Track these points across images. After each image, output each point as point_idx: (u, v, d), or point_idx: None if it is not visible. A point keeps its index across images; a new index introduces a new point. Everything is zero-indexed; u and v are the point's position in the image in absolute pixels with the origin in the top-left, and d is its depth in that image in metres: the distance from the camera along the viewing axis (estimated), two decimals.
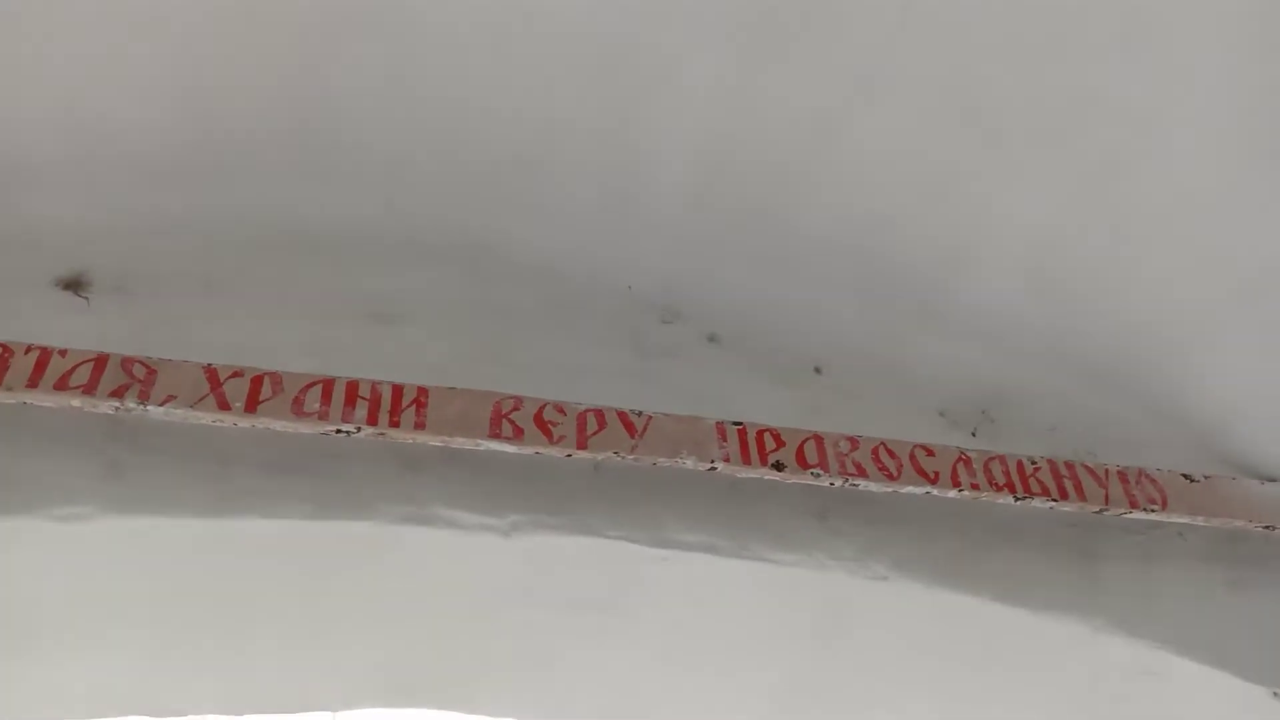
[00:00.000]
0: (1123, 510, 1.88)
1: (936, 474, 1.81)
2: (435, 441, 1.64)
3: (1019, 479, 1.85)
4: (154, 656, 1.83)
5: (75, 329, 1.65)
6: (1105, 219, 1.91)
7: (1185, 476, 1.97)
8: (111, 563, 1.58)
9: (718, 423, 1.77)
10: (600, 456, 1.69)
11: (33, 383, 1.46)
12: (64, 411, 1.51)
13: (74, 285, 1.76)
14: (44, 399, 1.47)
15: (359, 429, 1.59)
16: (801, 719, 2.17)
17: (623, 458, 1.70)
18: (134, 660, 1.82)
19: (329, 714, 2.16)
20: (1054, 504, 1.85)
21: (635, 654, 2.02)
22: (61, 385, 1.47)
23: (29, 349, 1.49)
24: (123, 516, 1.52)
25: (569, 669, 2.07)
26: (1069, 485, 1.87)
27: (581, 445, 1.68)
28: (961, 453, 1.86)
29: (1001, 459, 1.87)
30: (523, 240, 2.06)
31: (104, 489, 1.52)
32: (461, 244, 2.05)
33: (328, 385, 1.60)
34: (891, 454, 1.82)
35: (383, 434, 1.60)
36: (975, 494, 1.82)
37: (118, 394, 1.48)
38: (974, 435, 2.10)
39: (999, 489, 1.83)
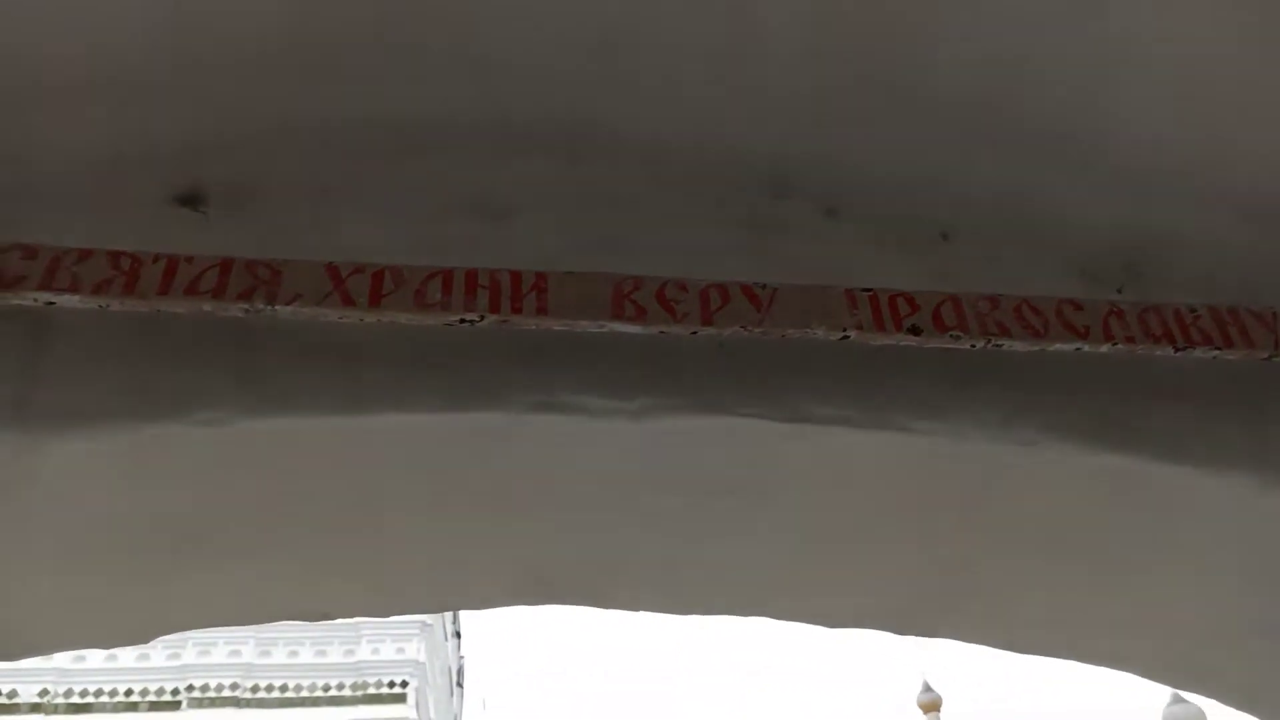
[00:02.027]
0: None
1: (1086, 329, 1.70)
2: (559, 326, 1.60)
3: (1178, 329, 1.72)
4: (297, 560, 1.88)
5: (195, 243, 1.66)
6: (1267, 35, 1.72)
7: None
8: (251, 466, 1.61)
9: (847, 290, 1.69)
10: (726, 332, 1.63)
11: (163, 290, 1.47)
12: (194, 318, 1.53)
13: (190, 200, 1.77)
14: (175, 305, 1.48)
15: (482, 317, 1.57)
16: (946, 598, 2.12)
17: (750, 332, 1.64)
18: (278, 564, 1.88)
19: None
20: (1218, 353, 1.72)
21: (770, 538, 1.99)
22: (191, 291, 1.48)
23: (156, 257, 1.50)
24: (258, 419, 1.54)
25: (703, 557, 2.06)
26: (1233, 332, 1.73)
27: (707, 321, 1.62)
28: (1113, 305, 1.74)
29: (1157, 309, 1.73)
30: (626, 122, 1.99)
31: (238, 393, 1.54)
32: (563, 131, 1.99)
33: (447, 276, 1.58)
34: (1036, 311, 1.70)
35: (506, 321, 1.58)
36: (1130, 347, 1.69)
37: (246, 296, 1.49)
38: (1119, 292, 1.96)
39: (1156, 340, 1.70)
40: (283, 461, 1.61)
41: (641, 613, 2.27)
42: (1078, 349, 1.69)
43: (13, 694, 26.51)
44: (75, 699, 27.05)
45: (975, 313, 1.68)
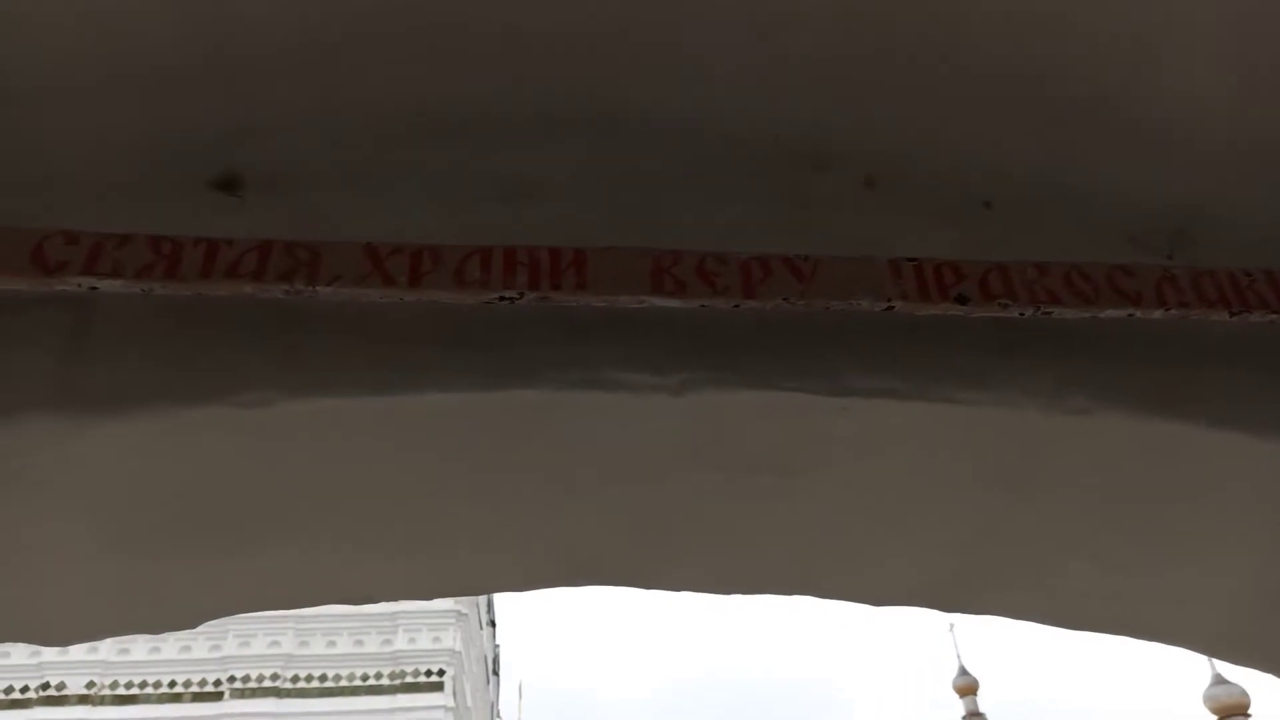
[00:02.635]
0: None
1: (1138, 295, 1.65)
2: (598, 302, 1.59)
3: (1233, 293, 1.67)
4: (341, 542, 1.88)
5: (232, 228, 1.66)
6: None
7: None
8: (293, 448, 1.61)
9: (890, 260, 1.66)
10: (768, 305, 1.61)
11: (205, 273, 1.47)
12: (235, 300, 1.53)
13: (227, 185, 1.77)
14: (217, 288, 1.48)
15: (521, 295, 1.55)
16: (993, 573, 2.08)
17: (793, 304, 1.61)
18: (321, 547, 1.88)
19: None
20: (1276, 316, 1.67)
21: (814, 515, 1.97)
22: (232, 273, 1.48)
23: (196, 241, 1.50)
24: (300, 400, 1.54)
25: (747, 536, 2.04)
26: None
27: (748, 294, 1.60)
28: (1165, 270, 1.69)
29: (1212, 273, 1.69)
30: (660, 99, 1.97)
31: (282, 374, 1.53)
32: (595, 110, 1.97)
33: (486, 254, 1.57)
34: (1086, 277, 1.66)
35: (546, 298, 1.56)
36: (1184, 312, 1.65)
37: (286, 277, 1.49)
38: (1170, 259, 1.91)
39: (1210, 305, 1.66)
40: (325, 443, 1.61)
41: (684, 593, 2.26)
42: (1130, 315, 1.65)
43: (61, 686, 27.11)
44: (121, 690, 27.62)
45: (1023, 280, 1.65)
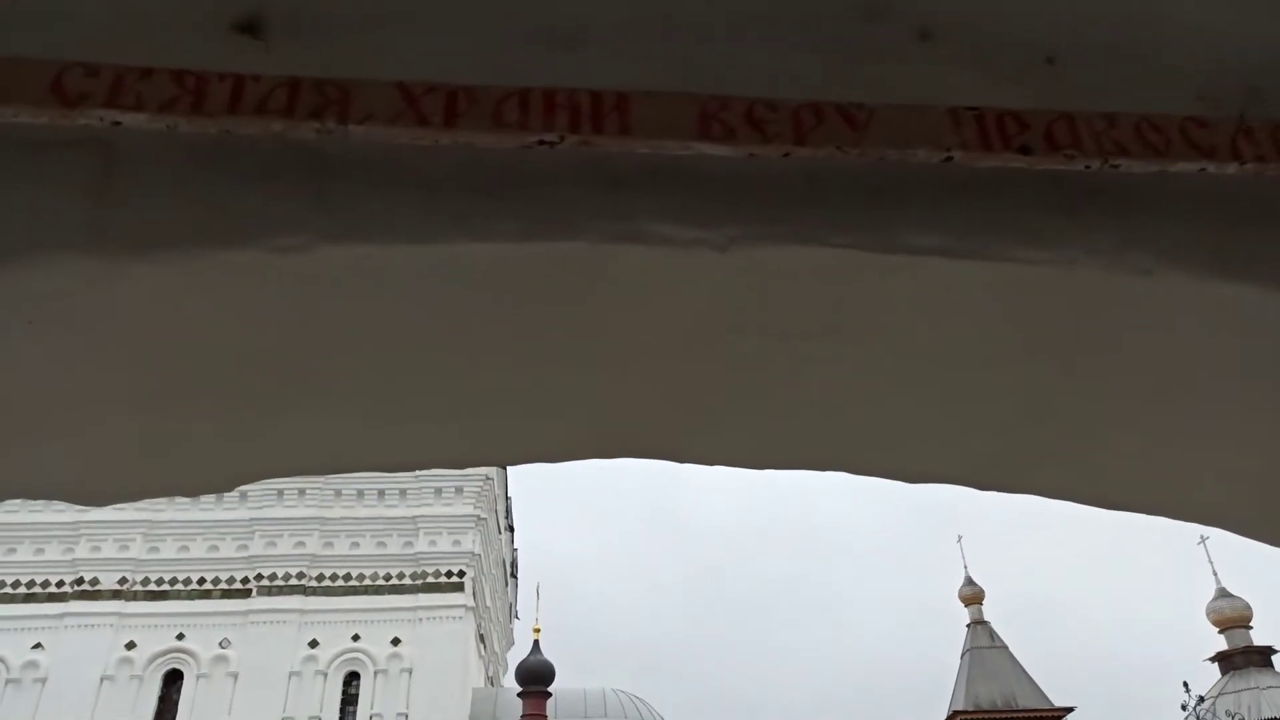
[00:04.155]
0: None
1: (1212, 148, 1.56)
2: (642, 148, 1.51)
3: None
4: (374, 405, 1.85)
5: (258, 70, 1.58)
6: None
7: None
8: (330, 298, 1.56)
9: (950, 109, 1.57)
10: (820, 153, 1.53)
11: (231, 108, 1.40)
12: (265, 140, 1.47)
13: (250, 28, 1.68)
14: (245, 125, 1.42)
15: (561, 138, 1.48)
16: (1036, 448, 2.04)
17: (846, 154, 1.53)
18: (356, 409, 1.85)
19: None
20: None
21: (856, 386, 1.92)
22: (260, 110, 1.41)
23: (223, 76, 1.43)
24: (337, 246, 1.48)
25: (785, 408, 2.00)
26: None
27: (799, 141, 1.52)
28: (1241, 122, 1.60)
29: None
30: None
31: (315, 219, 1.48)
32: None
33: (524, 95, 1.49)
34: (1156, 129, 1.57)
35: (586, 142, 1.49)
36: (1260, 167, 1.56)
37: (316, 115, 1.42)
38: (1242, 119, 1.80)
39: None
40: (361, 294, 1.56)
41: (717, 467, 2.24)
42: (1202, 169, 1.56)
43: (95, 581, 27.99)
44: (152, 586, 28.49)
45: (1091, 131, 1.56)
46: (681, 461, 2.19)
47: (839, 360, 1.83)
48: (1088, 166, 1.55)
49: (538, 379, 1.84)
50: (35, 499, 1.87)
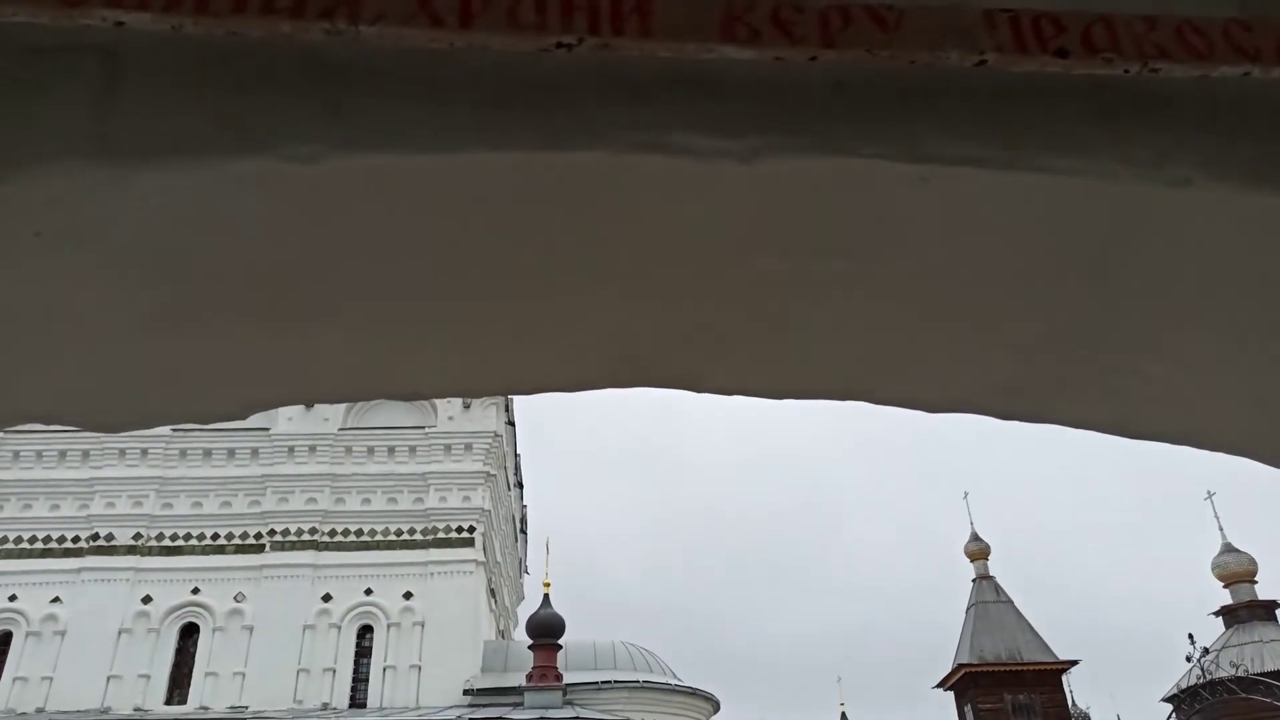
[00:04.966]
0: None
1: (1257, 50, 1.50)
2: (664, 52, 1.46)
3: None
4: (389, 329, 1.82)
5: None
6: None
7: None
8: (343, 211, 1.52)
9: (984, 10, 1.50)
10: (849, 56, 1.47)
11: (238, 7, 1.35)
12: (274, 47, 1.41)
13: None
14: (252, 25, 1.36)
15: (580, 40, 1.42)
16: (1062, 374, 2.00)
17: (876, 56, 1.47)
18: (370, 333, 1.82)
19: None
20: None
21: (879, 309, 1.88)
22: (267, 9, 1.36)
23: None
24: (350, 155, 1.44)
25: (806, 333, 1.96)
26: None
27: (827, 44, 1.46)
28: None
29: None
30: None
31: (327, 127, 1.43)
32: None
33: None
34: (1199, 31, 1.50)
35: (606, 45, 1.43)
36: None
37: (327, 14, 1.36)
38: None
39: None
40: (374, 207, 1.52)
41: (735, 397, 2.20)
42: (1245, 74, 1.50)
43: (110, 537, 28.35)
44: (167, 542, 28.84)
45: (1130, 34, 1.49)
46: (699, 391, 2.16)
47: (862, 281, 1.79)
48: (1126, 71, 1.49)
49: (555, 301, 1.80)
50: (48, 423, 1.85)
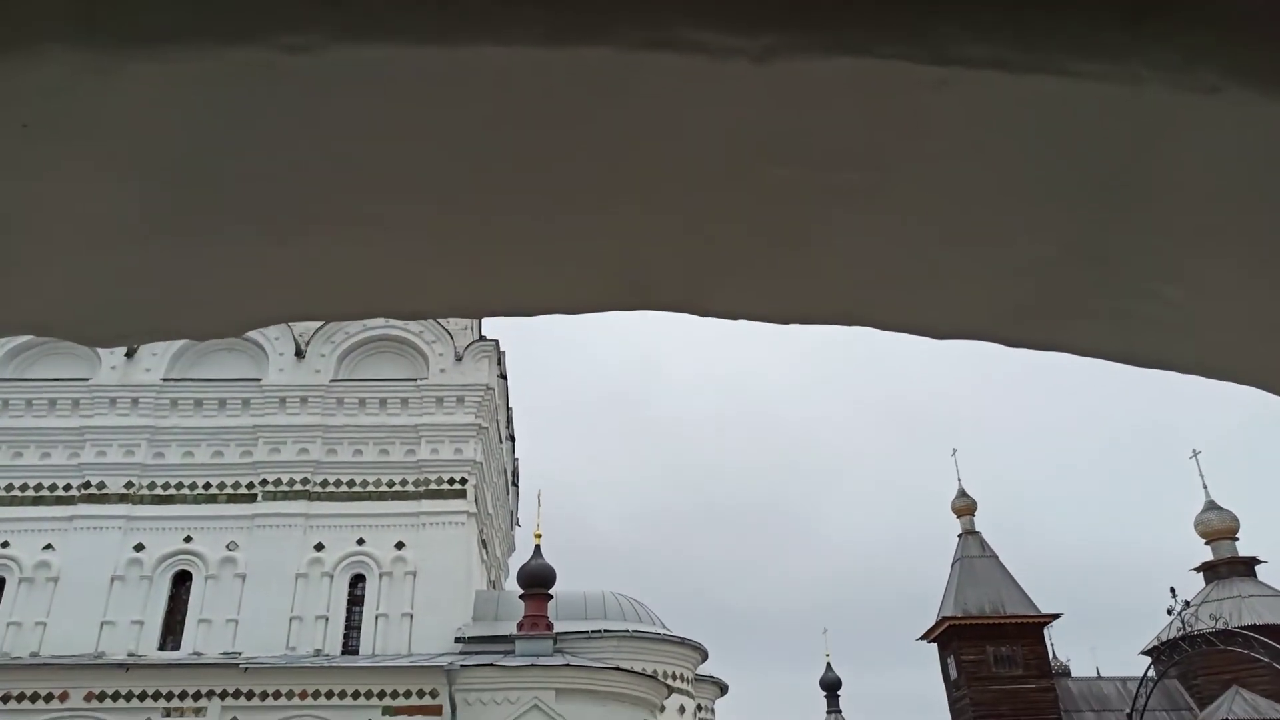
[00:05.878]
0: None
1: None
2: None
3: None
4: (389, 240, 1.77)
5: None
6: None
7: None
8: (343, 108, 1.46)
9: None
10: None
11: None
12: None
13: None
14: None
15: None
16: (1072, 298, 1.97)
17: None
18: (368, 243, 1.77)
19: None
20: None
21: (889, 226, 1.83)
22: None
23: None
24: (351, 46, 1.38)
25: (814, 253, 1.92)
26: None
27: None
28: None
29: None
30: None
31: (325, 15, 1.37)
32: None
33: None
34: None
35: None
36: None
37: None
38: None
39: None
40: (375, 104, 1.46)
41: (739, 321, 2.17)
42: None
43: (101, 485, 28.43)
44: (159, 491, 28.98)
45: None
46: (704, 314, 2.12)
47: (876, 194, 1.74)
48: None
49: (558, 212, 1.76)
50: (37, 334, 1.80)
